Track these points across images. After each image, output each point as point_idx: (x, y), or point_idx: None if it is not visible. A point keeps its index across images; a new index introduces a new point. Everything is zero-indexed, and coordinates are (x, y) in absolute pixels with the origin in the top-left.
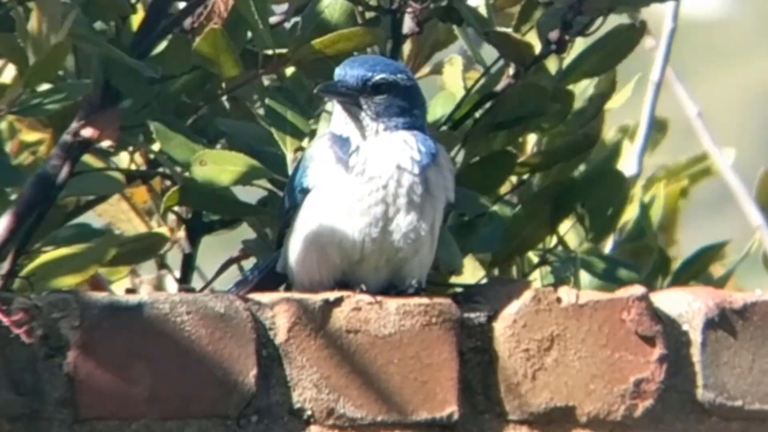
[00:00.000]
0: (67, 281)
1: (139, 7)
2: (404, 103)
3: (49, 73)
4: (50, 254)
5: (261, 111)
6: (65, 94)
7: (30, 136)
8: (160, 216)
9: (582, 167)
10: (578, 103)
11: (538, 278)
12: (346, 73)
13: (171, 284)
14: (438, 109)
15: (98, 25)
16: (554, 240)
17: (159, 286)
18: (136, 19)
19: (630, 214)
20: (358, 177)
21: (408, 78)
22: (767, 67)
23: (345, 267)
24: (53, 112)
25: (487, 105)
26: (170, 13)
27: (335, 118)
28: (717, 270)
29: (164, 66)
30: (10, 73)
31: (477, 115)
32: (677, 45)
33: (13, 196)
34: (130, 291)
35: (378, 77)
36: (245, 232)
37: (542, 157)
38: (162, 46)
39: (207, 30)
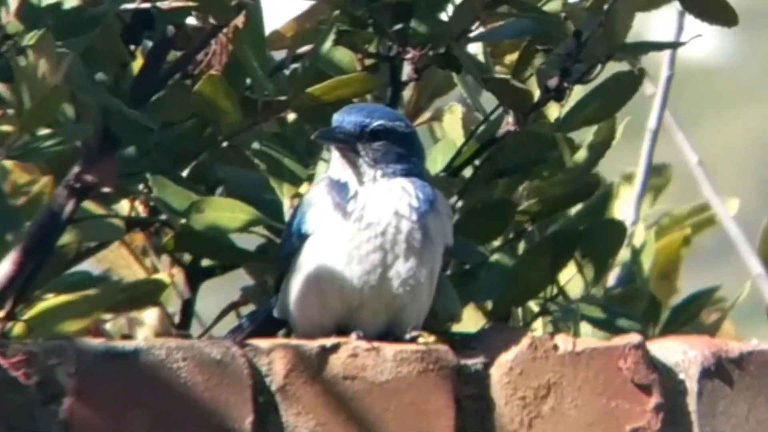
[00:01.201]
0: (67, 328)
1: (139, 54)
2: (402, 150)
3: (46, 116)
4: (50, 301)
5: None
6: (63, 138)
7: (22, 177)
8: (157, 261)
9: (576, 210)
10: (577, 150)
11: (539, 327)
12: (344, 119)
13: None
14: (438, 156)
15: (98, 73)
16: (554, 289)
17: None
18: (136, 66)
19: (620, 259)
20: (356, 223)
21: (406, 125)
22: None
23: (344, 313)
24: (51, 156)
25: (487, 153)
26: (169, 60)
27: (333, 163)
28: (714, 318)
29: (163, 113)
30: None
31: (477, 162)
32: (678, 91)
33: (9, 237)
34: (126, 337)
35: (376, 123)
36: (243, 277)
37: (542, 205)
38: (161, 93)
39: (206, 76)
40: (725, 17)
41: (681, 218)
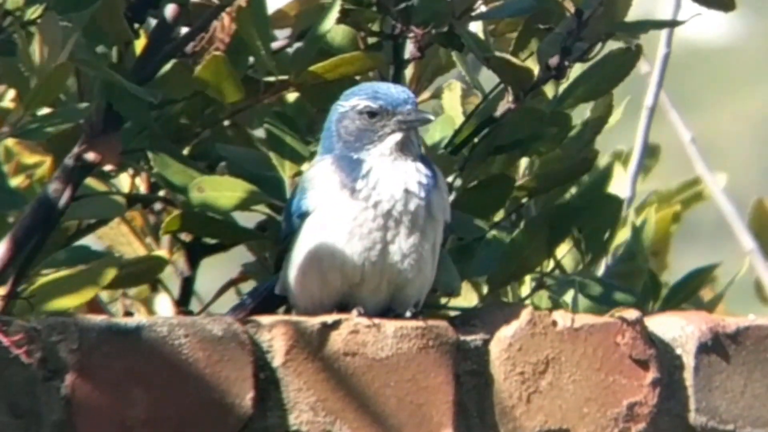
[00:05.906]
0: (67, 304)
1: (142, 32)
2: None
3: (50, 96)
4: (49, 277)
5: (262, 135)
6: (65, 117)
7: (28, 158)
8: (156, 240)
9: (574, 190)
10: (574, 127)
11: (536, 302)
12: (408, 96)
13: (165, 306)
14: (437, 133)
15: (101, 49)
16: (551, 264)
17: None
18: (139, 44)
19: (621, 237)
20: (363, 202)
21: None
22: None
23: (345, 289)
24: (54, 134)
25: (486, 130)
26: (173, 38)
27: (387, 143)
28: (709, 294)
29: (166, 90)
30: (11, 96)
31: (476, 140)
32: (682, 71)
33: (11, 219)
34: (128, 314)
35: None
36: (242, 253)
37: (539, 180)
38: (164, 70)
39: (208, 57)
40: (722, 2)
41: (670, 195)
